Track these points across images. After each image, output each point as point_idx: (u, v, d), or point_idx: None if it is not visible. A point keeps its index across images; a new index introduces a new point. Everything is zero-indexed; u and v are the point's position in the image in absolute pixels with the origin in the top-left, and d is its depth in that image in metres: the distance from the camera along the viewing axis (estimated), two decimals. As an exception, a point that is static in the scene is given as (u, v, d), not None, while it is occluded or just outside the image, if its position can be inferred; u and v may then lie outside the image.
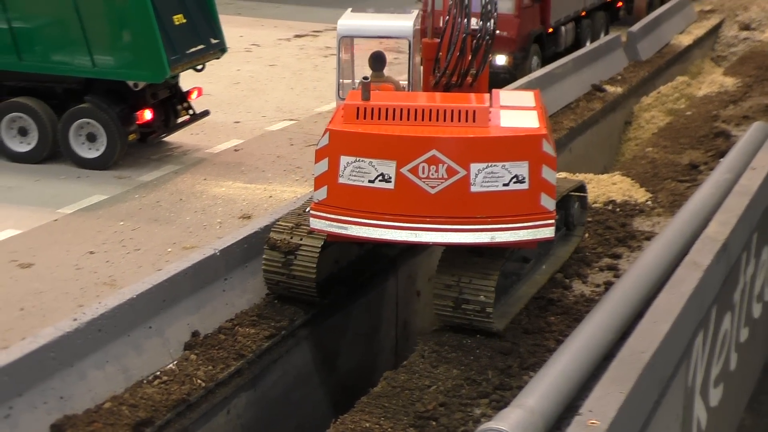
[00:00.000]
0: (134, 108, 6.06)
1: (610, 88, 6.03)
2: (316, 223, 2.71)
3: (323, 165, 2.64)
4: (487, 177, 2.56)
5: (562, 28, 9.54)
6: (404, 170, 2.55)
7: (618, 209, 3.80)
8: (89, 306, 2.43)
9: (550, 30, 9.10)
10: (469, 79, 2.82)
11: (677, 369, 2.56)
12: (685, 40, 7.93)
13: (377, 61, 2.91)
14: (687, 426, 2.74)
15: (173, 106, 6.40)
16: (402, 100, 2.66)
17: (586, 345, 2.53)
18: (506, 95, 2.87)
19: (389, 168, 2.55)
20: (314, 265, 2.82)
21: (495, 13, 2.79)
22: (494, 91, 2.88)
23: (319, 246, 2.83)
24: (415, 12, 2.99)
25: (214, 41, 6.40)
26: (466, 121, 2.58)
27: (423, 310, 3.77)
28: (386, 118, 2.60)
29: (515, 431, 2.09)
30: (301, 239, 2.85)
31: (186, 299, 2.72)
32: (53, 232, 4.89)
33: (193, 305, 2.73)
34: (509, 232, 2.59)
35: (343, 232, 2.66)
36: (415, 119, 2.60)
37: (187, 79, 6.35)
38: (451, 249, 2.74)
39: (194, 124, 6.29)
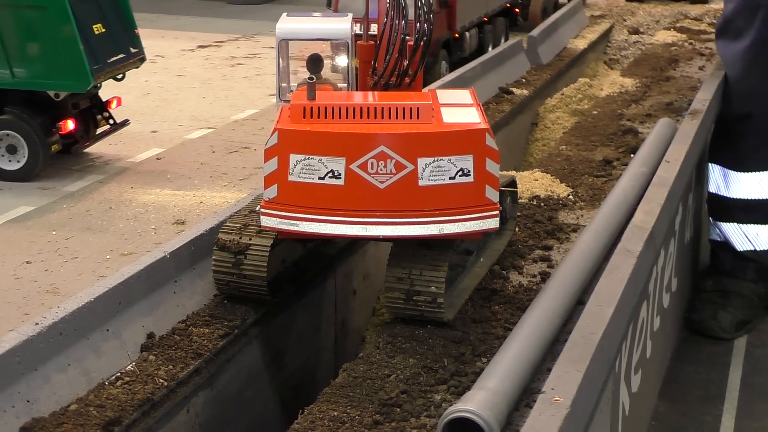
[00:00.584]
0: (56, 118, 6.00)
1: (516, 91, 6.19)
2: (266, 221, 2.73)
3: (273, 164, 2.67)
4: (434, 171, 2.62)
5: (467, 33, 9.73)
6: (353, 166, 2.59)
7: (542, 204, 3.94)
8: (42, 312, 2.41)
9: (456, 35, 9.27)
10: (407, 79, 2.89)
11: (618, 352, 2.70)
12: (581, 44, 8.18)
13: (315, 63, 2.96)
14: (615, 410, 2.86)
15: (93, 116, 6.34)
16: (347, 99, 2.72)
17: (536, 330, 2.64)
18: (443, 93, 2.95)
19: (339, 165, 2.60)
20: (265, 264, 2.85)
21: (431, 15, 2.87)
22: (431, 89, 2.96)
23: (269, 245, 2.87)
24: (349, 15, 3.06)
25: (133, 50, 6.37)
26: (411, 117, 2.64)
27: (359, 308, 3.83)
28: (333, 117, 2.64)
29: (482, 410, 2.18)
30: (250, 239, 2.89)
31: (139, 302, 2.72)
32: (-16, 244, 4.81)
33: (147, 308, 2.74)
34: (457, 223, 2.65)
35: (294, 228, 2.69)
36: (362, 117, 2.64)
37: (102, 90, 6.32)
38: (400, 243, 2.80)
39: (112, 135, 6.25)
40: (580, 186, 4.23)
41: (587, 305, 2.62)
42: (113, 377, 2.50)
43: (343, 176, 2.62)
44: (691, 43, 8.18)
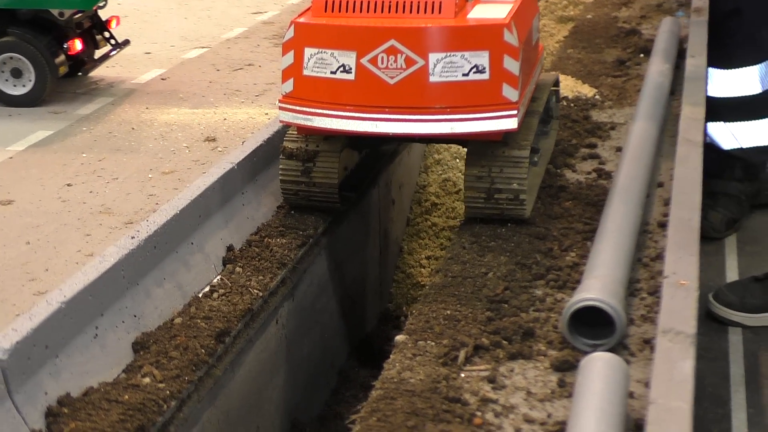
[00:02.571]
0: (60, 39, 5.73)
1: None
2: (284, 116, 2.68)
3: (289, 58, 2.62)
4: (446, 67, 2.54)
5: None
6: (364, 61, 2.52)
7: (573, 104, 3.90)
8: (102, 233, 2.34)
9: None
10: None
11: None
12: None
13: None
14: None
15: (93, 36, 6.09)
16: None
17: (624, 220, 2.61)
18: None
19: (350, 59, 2.53)
20: (335, 170, 2.79)
21: None
22: None
23: (339, 150, 2.80)
24: None
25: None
26: (432, 12, 2.55)
27: (397, 218, 3.78)
28: (354, 11, 2.57)
29: (607, 298, 2.15)
30: (317, 146, 2.81)
31: (216, 214, 2.64)
32: (15, 169, 4.63)
33: (222, 220, 2.66)
34: (470, 122, 2.57)
35: (309, 123, 2.64)
36: (380, 11, 2.56)
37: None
38: (476, 142, 2.74)
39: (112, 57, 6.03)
40: (602, 86, 4.20)
41: (673, 194, 2.61)
42: (206, 290, 2.43)
43: (353, 71, 2.55)
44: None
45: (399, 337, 2.21)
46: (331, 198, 2.81)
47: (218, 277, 2.49)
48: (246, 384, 2.40)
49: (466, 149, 2.82)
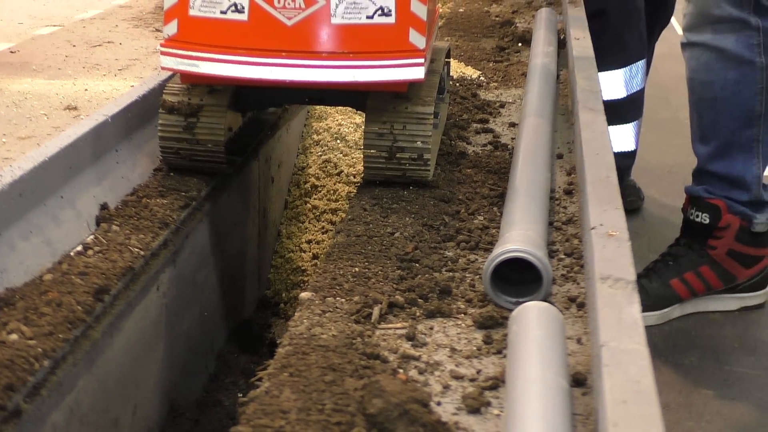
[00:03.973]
0: None
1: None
2: (166, 61, 2.40)
3: None
4: (349, 8, 2.32)
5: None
6: None
7: (459, 84, 3.75)
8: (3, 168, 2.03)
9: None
10: None
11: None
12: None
13: None
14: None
15: None
16: None
17: (533, 181, 2.46)
18: None
19: None
20: (222, 126, 2.53)
21: None
22: None
23: (225, 105, 2.54)
24: None
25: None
26: None
27: (275, 198, 3.54)
28: None
29: (529, 248, 1.98)
30: (201, 99, 2.55)
31: (87, 169, 2.35)
32: None
33: (94, 176, 2.37)
34: (374, 69, 2.34)
35: (194, 69, 2.37)
36: None
37: None
38: (377, 96, 2.54)
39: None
40: (485, 70, 4.07)
41: (585, 154, 2.46)
42: (79, 249, 2.13)
43: (246, 10, 2.31)
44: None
45: (304, 294, 1.98)
46: (216, 157, 2.56)
47: (92, 236, 2.20)
48: (125, 353, 2.12)
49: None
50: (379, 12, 2.33)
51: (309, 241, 3.56)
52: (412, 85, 2.51)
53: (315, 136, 3.86)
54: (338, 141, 3.81)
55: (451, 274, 2.15)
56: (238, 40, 2.33)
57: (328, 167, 3.75)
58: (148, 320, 2.26)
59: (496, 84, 3.86)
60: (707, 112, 4.07)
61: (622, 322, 1.63)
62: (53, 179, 2.17)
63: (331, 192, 3.67)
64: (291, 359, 1.72)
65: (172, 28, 2.38)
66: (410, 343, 1.86)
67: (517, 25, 4.99)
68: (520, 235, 2.07)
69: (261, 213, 3.32)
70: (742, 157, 4.02)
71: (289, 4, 2.29)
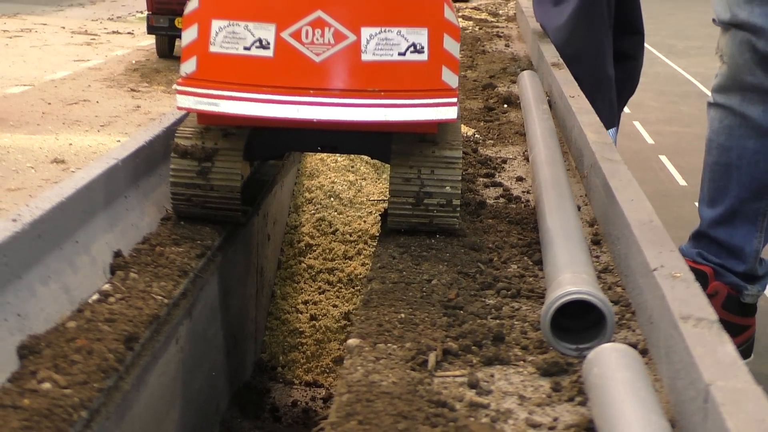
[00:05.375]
0: None
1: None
2: (182, 101, 2.24)
3: (192, 32, 2.21)
4: (381, 44, 2.21)
5: None
6: (285, 34, 2.16)
7: (456, 140, 3.65)
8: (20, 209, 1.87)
9: None
10: None
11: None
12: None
13: None
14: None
15: None
16: None
17: (568, 227, 2.35)
18: None
19: (268, 32, 2.17)
20: (238, 170, 2.39)
21: None
22: None
23: (241, 149, 2.41)
24: None
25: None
26: None
27: (271, 256, 3.39)
28: None
29: (587, 288, 1.86)
30: (216, 143, 2.41)
31: (100, 215, 2.20)
32: None
33: (106, 223, 2.21)
34: (406, 109, 2.21)
35: (213, 109, 2.21)
36: None
37: None
38: (401, 140, 2.42)
39: None
40: (478, 128, 3.99)
41: (619, 203, 2.37)
42: (97, 297, 1.97)
43: (272, 46, 2.17)
44: (481, 28, 8.19)
45: (352, 341, 1.83)
46: (231, 204, 2.41)
47: (108, 284, 2.03)
48: (148, 410, 1.95)
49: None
50: (412, 49, 2.22)
51: (305, 302, 3.40)
52: (438, 127, 2.40)
53: (307, 194, 3.73)
54: (332, 199, 3.68)
55: (499, 321, 2.01)
56: (263, 78, 2.20)
57: (323, 226, 3.61)
58: (168, 376, 2.09)
59: (492, 141, 3.77)
60: (720, 177, 3.99)
61: (720, 362, 1.51)
62: (69, 222, 2.01)
63: (327, 251, 3.53)
64: (356, 407, 1.56)
65: (190, 66, 2.24)
66: (474, 390, 1.72)
67: (498, 87, 4.94)
68: (575, 277, 1.95)
69: (258, 271, 3.17)
70: (745, 228, 3.95)
71: (317, 39, 2.17)
